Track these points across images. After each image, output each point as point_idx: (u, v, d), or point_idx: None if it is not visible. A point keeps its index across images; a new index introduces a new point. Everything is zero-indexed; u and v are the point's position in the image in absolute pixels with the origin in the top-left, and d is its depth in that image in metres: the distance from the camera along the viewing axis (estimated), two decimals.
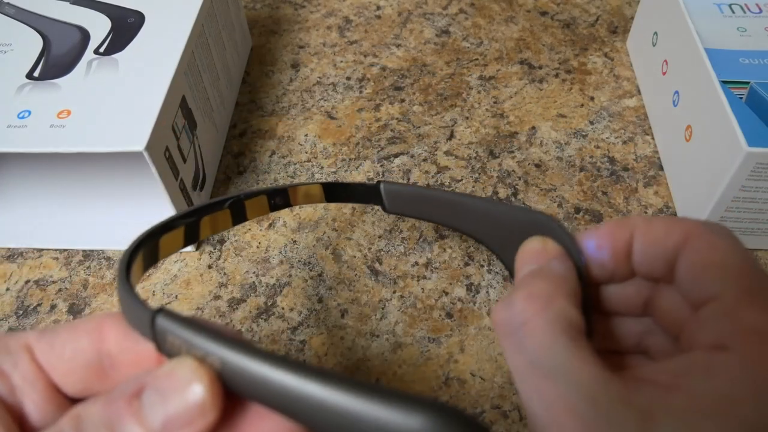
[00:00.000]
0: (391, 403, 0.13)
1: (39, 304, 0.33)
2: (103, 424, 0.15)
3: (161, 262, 0.34)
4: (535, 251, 0.21)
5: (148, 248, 0.22)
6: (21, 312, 0.33)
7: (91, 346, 0.17)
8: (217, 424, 0.15)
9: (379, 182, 0.27)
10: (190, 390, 0.15)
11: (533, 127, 0.40)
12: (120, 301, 0.18)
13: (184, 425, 0.15)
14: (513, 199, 0.36)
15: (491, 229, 0.24)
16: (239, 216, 0.27)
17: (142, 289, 0.33)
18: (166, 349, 0.16)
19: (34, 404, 0.17)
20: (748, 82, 0.31)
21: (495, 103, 0.42)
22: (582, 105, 0.41)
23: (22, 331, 0.18)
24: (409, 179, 0.37)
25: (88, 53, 0.34)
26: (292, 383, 0.14)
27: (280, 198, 0.28)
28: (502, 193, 0.37)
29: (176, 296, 0.33)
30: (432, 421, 0.13)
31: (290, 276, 0.34)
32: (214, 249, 0.35)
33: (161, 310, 0.16)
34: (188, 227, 0.24)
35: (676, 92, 0.35)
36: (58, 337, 0.17)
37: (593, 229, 0.20)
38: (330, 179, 0.38)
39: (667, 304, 0.20)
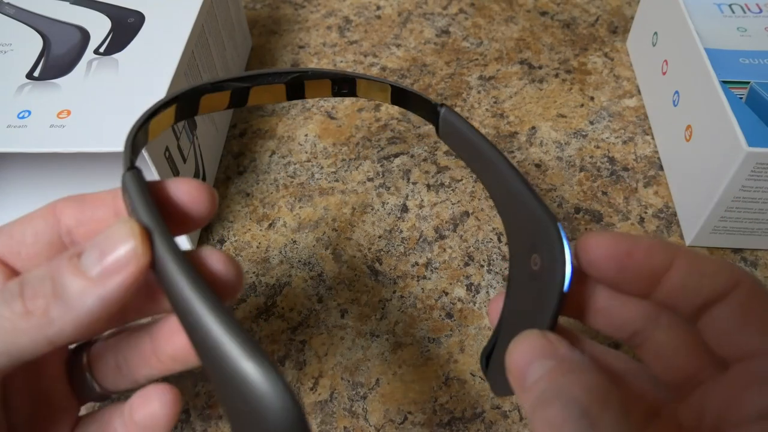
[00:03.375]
0: (253, 357, 0.15)
1: None
2: (45, 278, 0.17)
3: None
4: (541, 345, 0.18)
5: (188, 102, 0.23)
6: None
7: (48, 227, 0.19)
8: (142, 287, 0.17)
9: (442, 104, 0.26)
10: (124, 240, 0.16)
11: (533, 127, 0.40)
12: (124, 145, 0.19)
13: (118, 270, 0.16)
14: None
15: (506, 201, 0.23)
16: (296, 94, 0.26)
17: None
18: (125, 205, 0.18)
19: None
20: (748, 82, 0.31)
21: (495, 103, 0.42)
22: (582, 105, 0.41)
23: None
24: (409, 179, 0.37)
25: (88, 53, 0.34)
26: (183, 290, 0.16)
27: (347, 86, 0.27)
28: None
29: None
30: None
31: (290, 276, 0.34)
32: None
33: (133, 169, 0.18)
34: (237, 92, 0.24)
35: (676, 92, 0.35)
36: (15, 227, 0.19)
37: (622, 240, 0.19)
38: (330, 179, 0.38)
39: (664, 344, 0.19)
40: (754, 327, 0.17)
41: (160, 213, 0.17)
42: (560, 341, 0.18)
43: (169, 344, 0.19)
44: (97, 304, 0.16)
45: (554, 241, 0.19)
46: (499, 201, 0.24)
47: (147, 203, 0.17)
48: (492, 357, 0.22)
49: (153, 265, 0.17)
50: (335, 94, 0.27)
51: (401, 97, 0.28)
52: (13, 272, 0.19)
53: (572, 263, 0.19)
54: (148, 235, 0.17)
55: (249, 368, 0.14)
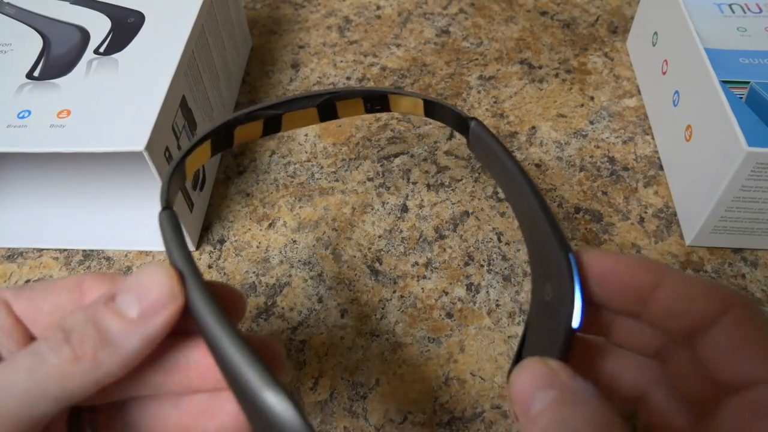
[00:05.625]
0: (271, 387, 0.16)
1: None
2: (87, 323, 0.17)
3: None
4: (543, 374, 0.18)
5: (222, 135, 0.24)
6: None
7: (71, 301, 0.19)
8: (176, 324, 0.18)
9: (473, 118, 0.26)
10: (162, 282, 0.17)
11: (533, 127, 0.40)
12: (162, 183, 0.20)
13: (157, 310, 0.17)
14: None
15: (528, 224, 0.23)
16: (329, 115, 0.26)
17: None
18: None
19: (10, 353, 0.18)
20: (748, 82, 0.31)
21: (495, 103, 0.42)
22: (582, 105, 0.41)
23: None
24: (409, 179, 0.37)
25: (88, 53, 0.34)
26: (214, 329, 0.17)
27: (379, 103, 0.27)
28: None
29: None
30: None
31: (290, 276, 0.34)
32: (214, 249, 0.35)
33: (167, 209, 0.19)
34: (270, 119, 0.25)
35: (676, 92, 0.35)
36: (36, 293, 0.19)
37: (607, 258, 0.19)
38: (330, 179, 0.38)
39: (681, 364, 0.19)
40: (750, 353, 0.17)
41: (191, 256, 0.18)
42: (563, 369, 0.18)
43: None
44: (141, 344, 0.17)
45: (564, 275, 0.18)
46: (522, 222, 0.24)
47: (180, 245, 0.18)
48: None
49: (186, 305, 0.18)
50: (368, 111, 0.28)
51: (433, 109, 0.28)
52: (28, 336, 0.19)
53: (582, 299, 0.18)
54: (181, 276, 0.18)
55: (269, 397, 0.16)
